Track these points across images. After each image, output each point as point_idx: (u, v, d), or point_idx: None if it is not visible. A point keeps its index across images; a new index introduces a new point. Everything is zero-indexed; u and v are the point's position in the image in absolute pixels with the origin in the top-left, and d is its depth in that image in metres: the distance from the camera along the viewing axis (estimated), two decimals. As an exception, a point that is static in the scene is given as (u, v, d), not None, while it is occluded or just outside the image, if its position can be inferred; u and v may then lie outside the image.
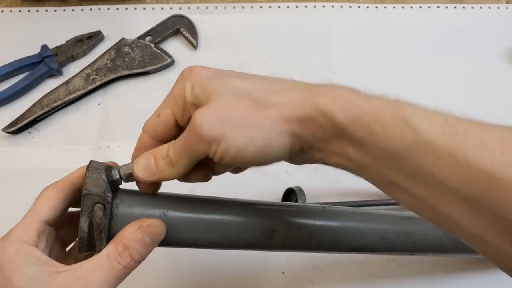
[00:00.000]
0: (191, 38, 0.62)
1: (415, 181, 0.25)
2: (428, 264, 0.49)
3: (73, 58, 0.61)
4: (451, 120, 0.25)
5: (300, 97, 0.26)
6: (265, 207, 0.34)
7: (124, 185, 0.31)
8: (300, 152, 0.27)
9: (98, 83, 0.57)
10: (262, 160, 0.26)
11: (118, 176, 0.30)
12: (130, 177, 0.30)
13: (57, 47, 0.60)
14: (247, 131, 0.25)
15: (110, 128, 0.56)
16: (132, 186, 0.31)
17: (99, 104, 0.58)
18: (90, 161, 0.30)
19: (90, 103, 0.58)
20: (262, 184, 0.53)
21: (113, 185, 0.29)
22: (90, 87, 0.57)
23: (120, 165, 0.31)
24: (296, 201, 0.47)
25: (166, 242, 0.31)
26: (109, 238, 0.29)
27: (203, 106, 0.26)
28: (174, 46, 0.63)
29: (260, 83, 0.27)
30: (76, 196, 0.30)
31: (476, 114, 0.63)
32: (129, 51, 0.60)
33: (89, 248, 0.29)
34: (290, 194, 0.50)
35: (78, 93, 0.57)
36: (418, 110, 0.25)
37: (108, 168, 0.30)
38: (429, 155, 0.23)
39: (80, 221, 0.28)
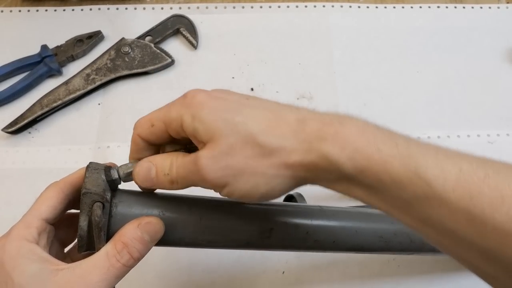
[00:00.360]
0: (191, 38, 0.62)
1: (427, 227, 0.24)
2: (428, 264, 0.49)
3: (73, 58, 0.60)
4: (466, 169, 0.23)
5: (306, 142, 0.25)
6: (262, 207, 0.34)
7: (123, 185, 0.31)
8: (305, 183, 0.27)
9: (98, 83, 0.57)
10: (266, 199, 0.27)
11: (117, 176, 0.30)
12: (128, 177, 0.30)
13: (57, 47, 0.60)
14: (250, 179, 0.25)
15: (110, 128, 0.56)
16: (131, 186, 0.31)
17: (99, 104, 0.58)
18: (90, 162, 0.30)
19: (90, 103, 0.58)
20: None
21: (112, 185, 0.30)
22: (90, 87, 0.57)
23: (119, 165, 0.31)
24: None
25: (165, 241, 0.31)
26: (109, 237, 0.29)
27: (206, 146, 0.26)
28: (174, 46, 0.63)
29: (266, 121, 0.26)
30: (76, 196, 0.30)
31: (476, 114, 0.63)
32: (129, 51, 0.60)
33: (89, 247, 0.29)
34: (290, 200, 0.50)
35: (78, 93, 0.57)
36: (431, 158, 0.24)
37: (107, 168, 0.30)
38: (442, 208, 0.23)
39: (80, 220, 0.28)
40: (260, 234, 0.33)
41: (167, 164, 0.28)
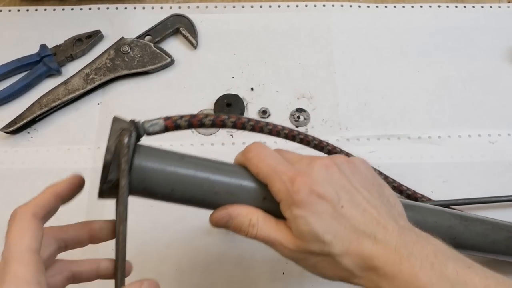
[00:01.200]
0: (191, 38, 0.62)
1: None
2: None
3: (72, 58, 0.60)
4: None
5: (369, 273, 0.30)
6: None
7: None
8: None
9: (97, 83, 0.57)
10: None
11: (142, 127, 0.31)
12: (151, 130, 0.32)
13: (56, 46, 0.60)
14: (318, 274, 0.33)
15: (109, 128, 0.56)
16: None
17: (98, 104, 0.58)
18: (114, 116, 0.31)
19: (89, 103, 0.58)
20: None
21: (137, 132, 0.31)
22: (89, 87, 0.57)
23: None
24: None
25: (183, 194, 0.32)
26: (131, 178, 0.30)
27: (295, 240, 0.31)
28: (173, 46, 0.62)
29: (347, 245, 0.30)
30: (48, 217, 0.30)
31: (477, 114, 0.63)
32: (129, 50, 0.59)
33: (108, 179, 0.29)
34: None
35: (77, 93, 0.56)
36: None
37: (132, 120, 0.31)
38: None
39: (107, 145, 0.28)
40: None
41: (247, 222, 0.32)
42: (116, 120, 0.30)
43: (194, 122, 0.36)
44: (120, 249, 0.30)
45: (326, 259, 0.31)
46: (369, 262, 0.30)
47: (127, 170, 0.29)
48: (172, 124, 0.35)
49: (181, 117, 0.35)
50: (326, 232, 0.30)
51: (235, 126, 0.37)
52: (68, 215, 0.51)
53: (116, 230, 0.30)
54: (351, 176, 0.32)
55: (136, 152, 0.31)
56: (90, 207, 0.51)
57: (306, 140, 0.39)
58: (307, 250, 0.31)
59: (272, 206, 0.32)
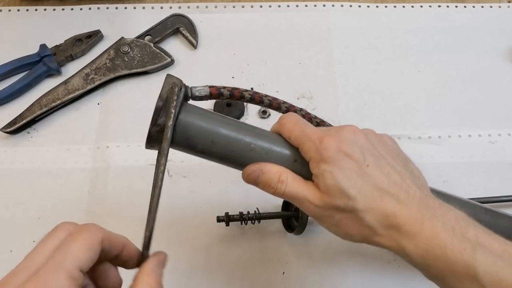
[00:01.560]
0: (190, 38, 0.62)
1: None
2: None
3: (72, 58, 0.60)
4: None
5: (391, 231, 0.31)
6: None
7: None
8: None
9: (97, 83, 0.57)
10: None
11: (189, 91, 0.36)
12: (196, 97, 0.36)
13: (56, 46, 0.60)
14: (341, 233, 0.33)
15: (109, 128, 0.56)
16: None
17: (98, 104, 0.58)
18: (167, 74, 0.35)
19: (89, 103, 0.58)
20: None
21: (185, 94, 0.35)
22: (89, 87, 0.57)
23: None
24: (297, 208, 0.46)
25: (222, 147, 0.34)
26: (175, 133, 0.33)
27: (321, 194, 0.32)
28: (173, 46, 0.62)
29: (371, 201, 0.32)
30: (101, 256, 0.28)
31: (477, 114, 0.63)
32: (129, 50, 0.59)
33: (157, 124, 0.33)
34: (288, 206, 0.50)
35: (77, 93, 0.56)
36: (489, 266, 0.29)
37: (183, 84, 0.35)
38: None
39: (160, 93, 0.34)
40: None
41: (276, 179, 0.33)
42: (169, 76, 0.35)
43: (235, 93, 0.39)
44: (154, 202, 0.32)
45: (350, 216, 0.32)
46: (392, 220, 0.31)
47: (175, 115, 0.32)
48: (216, 92, 0.39)
49: (224, 87, 0.39)
50: (351, 187, 0.31)
51: (271, 105, 0.40)
52: (68, 214, 0.51)
53: (153, 181, 0.32)
54: (376, 144, 0.34)
55: (183, 106, 0.34)
56: (90, 207, 0.51)
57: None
58: (333, 205, 0.32)
59: (302, 169, 0.34)
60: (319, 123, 0.42)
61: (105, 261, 0.29)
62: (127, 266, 0.30)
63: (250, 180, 0.34)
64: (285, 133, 0.35)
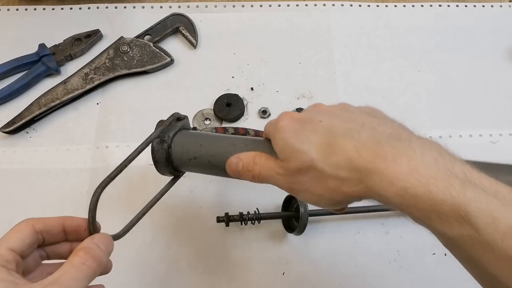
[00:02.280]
0: (190, 37, 0.61)
1: (467, 265, 0.26)
2: (430, 266, 0.49)
3: (71, 57, 0.60)
4: None
5: (357, 172, 0.28)
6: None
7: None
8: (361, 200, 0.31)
9: (96, 83, 0.57)
10: (330, 207, 0.33)
11: (190, 126, 0.43)
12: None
13: (55, 46, 0.60)
14: (313, 196, 0.32)
15: (109, 128, 0.56)
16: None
17: (97, 103, 0.58)
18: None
19: (89, 102, 0.58)
20: (262, 186, 0.52)
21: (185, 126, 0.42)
22: (88, 87, 0.57)
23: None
24: (297, 208, 0.46)
25: (209, 147, 0.39)
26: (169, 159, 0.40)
27: (282, 163, 0.32)
28: (173, 45, 0.62)
29: (325, 148, 0.29)
30: (47, 237, 0.32)
31: (478, 114, 0.63)
32: (128, 50, 0.59)
33: (162, 139, 0.39)
34: (291, 200, 0.50)
35: (76, 93, 0.56)
36: (483, 205, 0.24)
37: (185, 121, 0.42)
38: (486, 254, 0.24)
39: (165, 120, 0.40)
40: None
41: (252, 162, 0.35)
42: (174, 113, 0.41)
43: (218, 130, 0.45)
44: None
45: (313, 175, 0.30)
46: (355, 161, 0.28)
47: (174, 132, 0.40)
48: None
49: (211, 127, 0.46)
50: (302, 142, 0.30)
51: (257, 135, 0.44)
52: (67, 214, 0.51)
53: None
54: (337, 108, 0.33)
55: (180, 130, 0.41)
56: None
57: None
58: (293, 168, 0.31)
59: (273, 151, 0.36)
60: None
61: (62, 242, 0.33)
62: (80, 236, 0.32)
63: (232, 169, 0.36)
64: (265, 131, 0.37)
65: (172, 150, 0.40)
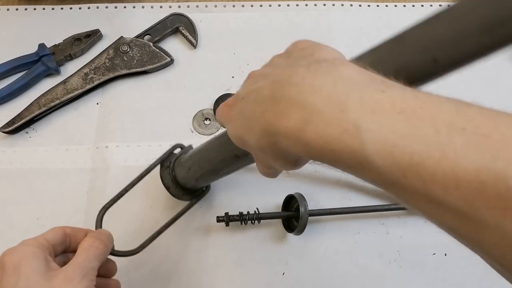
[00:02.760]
0: (190, 37, 0.61)
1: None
2: (430, 266, 0.49)
3: (71, 57, 0.60)
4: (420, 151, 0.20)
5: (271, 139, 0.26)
6: None
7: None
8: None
9: (96, 83, 0.57)
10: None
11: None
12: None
13: (55, 45, 0.60)
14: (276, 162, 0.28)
15: (109, 128, 0.56)
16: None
17: (97, 103, 0.58)
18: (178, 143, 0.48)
19: (88, 102, 0.58)
20: (262, 186, 0.52)
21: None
22: (88, 87, 0.57)
23: None
24: (297, 208, 0.46)
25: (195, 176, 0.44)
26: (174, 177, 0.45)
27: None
28: (173, 45, 0.62)
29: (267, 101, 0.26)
30: (72, 242, 0.37)
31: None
32: (128, 50, 0.59)
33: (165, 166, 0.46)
34: (291, 200, 0.50)
35: (76, 93, 0.56)
36: (383, 143, 0.21)
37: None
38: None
39: (167, 150, 0.47)
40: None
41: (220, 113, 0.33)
42: (177, 144, 0.47)
43: None
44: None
45: (254, 153, 0.29)
46: (267, 130, 0.25)
47: (175, 158, 0.45)
48: None
49: None
50: (238, 128, 0.29)
51: None
52: (67, 215, 0.51)
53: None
54: (274, 64, 0.31)
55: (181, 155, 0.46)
56: (89, 207, 0.50)
57: None
58: (248, 151, 0.30)
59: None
60: None
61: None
62: None
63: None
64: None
65: (175, 171, 0.45)
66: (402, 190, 0.21)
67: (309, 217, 0.46)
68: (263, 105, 0.26)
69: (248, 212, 0.47)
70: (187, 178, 0.45)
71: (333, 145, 0.22)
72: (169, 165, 0.45)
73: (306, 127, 0.23)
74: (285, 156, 0.26)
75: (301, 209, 0.45)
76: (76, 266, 0.32)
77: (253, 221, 0.47)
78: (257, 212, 0.47)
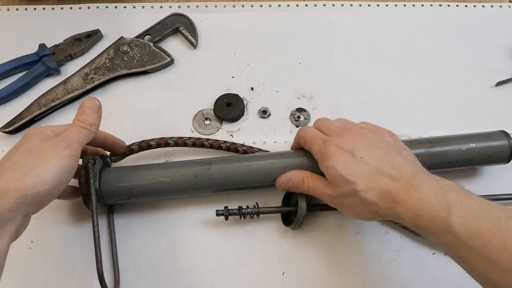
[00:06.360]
0: (190, 37, 0.61)
1: (456, 261, 0.37)
2: (430, 266, 0.49)
3: (71, 57, 0.60)
4: (486, 227, 0.35)
5: (389, 202, 0.39)
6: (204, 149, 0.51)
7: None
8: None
9: (96, 83, 0.57)
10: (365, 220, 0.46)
11: (108, 158, 0.49)
12: (114, 158, 0.49)
13: (55, 46, 0.60)
14: (354, 214, 0.42)
15: (109, 128, 0.56)
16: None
17: (97, 103, 0.58)
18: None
19: (89, 102, 0.58)
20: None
21: (105, 161, 0.48)
22: (88, 87, 0.57)
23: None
24: (297, 204, 0.46)
25: (144, 190, 0.46)
26: (100, 189, 0.46)
27: (331, 186, 0.42)
28: (173, 45, 0.62)
29: (368, 182, 0.40)
30: (94, 140, 0.44)
31: (478, 114, 0.63)
32: (128, 50, 0.59)
33: (86, 190, 0.45)
34: (291, 196, 0.50)
35: (77, 93, 0.56)
36: (463, 219, 0.35)
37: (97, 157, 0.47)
38: (465, 252, 0.35)
39: (80, 171, 0.45)
40: (202, 166, 0.46)
41: (300, 181, 0.45)
42: (85, 156, 0.46)
43: (143, 145, 0.50)
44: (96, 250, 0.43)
45: (356, 198, 0.40)
46: (387, 194, 0.38)
47: (94, 187, 0.45)
48: (128, 150, 0.49)
49: (133, 143, 0.50)
50: (350, 175, 0.40)
51: (177, 144, 0.50)
52: (66, 215, 0.51)
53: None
54: (373, 139, 0.42)
55: (101, 175, 0.46)
56: (89, 208, 0.50)
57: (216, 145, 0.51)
58: (341, 192, 0.41)
59: (314, 165, 0.45)
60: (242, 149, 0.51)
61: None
62: (113, 149, 0.49)
63: (283, 186, 0.45)
64: (301, 140, 0.46)
65: (103, 192, 0.46)
66: (464, 249, 0.34)
67: (308, 216, 0.46)
68: (390, 179, 0.39)
69: (247, 206, 0.48)
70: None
71: (427, 216, 0.36)
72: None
73: (420, 203, 0.37)
74: (382, 215, 0.40)
75: (300, 202, 0.45)
76: (62, 137, 0.40)
77: (252, 215, 0.47)
78: (256, 207, 0.47)
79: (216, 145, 0.50)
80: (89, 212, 0.44)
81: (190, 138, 0.51)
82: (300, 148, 0.47)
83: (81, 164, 0.45)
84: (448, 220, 0.35)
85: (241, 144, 0.51)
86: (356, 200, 0.40)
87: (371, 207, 0.39)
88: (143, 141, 0.50)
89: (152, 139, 0.50)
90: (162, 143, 0.50)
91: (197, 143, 0.50)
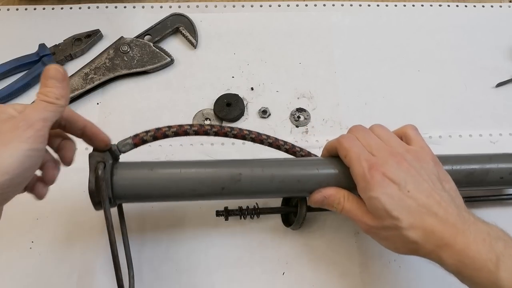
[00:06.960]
0: (190, 37, 0.62)
1: None
2: (430, 266, 0.49)
3: (71, 57, 0.60)
4: None
5: (432, 245, 0.36)
6: (231, 160, 0.43)
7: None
8: None
9: (96, 83, 0.57)
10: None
11: (116, 148, 0.41)
12: (125, 148, 0.42)
13: (55, 46, 0.60)
14: (391, 246, 0.39)
15: (109, 128, 0.55)
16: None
17: (97, 103, 0.58)
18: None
19: (89, 102, 0.58)
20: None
21: (113, 155, 0.41)
22: (88, 87, 0.57)
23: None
24: (297, 204, 0.46)
25: (153, 196, 0.42)
26: (112, 191, 0.40)
27: (372, 216, 0.39)
28: (173, 45, 0.62)
29: (413, 220, 0.37)
30: (68, 125, 0.39)
31: (478, 114, 0.63)
32: (128, 50, 0.59)
33: (97, 199, 0.39)
34: (291, 197, 0.50)
35: (77, 93, 0.56)
36: (508, 274, 0.34)
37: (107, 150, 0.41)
38: None
39: (89, 176, 0.39)
40: (232, 179, 0.41)
41: (336, 201, 0.41)
42: (91, 156, 0.40)
43: (158, 135, 0.43)
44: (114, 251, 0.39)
45: (396, 233, 0.37)
46: (431, 235, 0.36)
47: (107, 194, 0.39)
48: (139, 141, 0.43)
49: (147, 132, 0.43)
50: (394, 209, 0.36)
51: (197, 133, 0.43)
52: (66, 215, 0.51)
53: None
54: (419, 169, 0.39)
55: (114, 174, 0.40)
56: (89, 207, 0.50)
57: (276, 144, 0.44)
58: (381, 225, 0.38)
59: (350, 182, 0.40)
60: (288, 149, 0.45)
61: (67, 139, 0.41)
62: (92, 142, 0.42)
63: (317, 204, 0.42)
64: (342, 151, 0.41)
65: (117, 196, 0.41)
66: None
67: (309, 216, 0.46)
68: (436, 219, 0.36)
69: (247, 206, 0.48)
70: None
71: (472, 266, 0.35)
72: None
73: (466, 250, 0.35)
74: (421, 254, 0.37)
75: (300, 203, 0.45)
76: (23, 116, 0.33)
77: (252, 216, 0.47)
78: (256, 207, 0.47)
79: (240, 136, 0.43)
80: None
81: (212, 127, 0.43)
82: (335, 155, 0.43)
83: (89, 166, 0.39)
84: (496, 275, 0.34)
85: (266, 136, 0.44)
86: (395, 236, 0.37)
87: (412, 246, 0.37)
88: (158, 129, 0.43)
89: (169, 127, 0.42)
90: (181, 132, 0.42)
91: (220, 133, 0.43)
